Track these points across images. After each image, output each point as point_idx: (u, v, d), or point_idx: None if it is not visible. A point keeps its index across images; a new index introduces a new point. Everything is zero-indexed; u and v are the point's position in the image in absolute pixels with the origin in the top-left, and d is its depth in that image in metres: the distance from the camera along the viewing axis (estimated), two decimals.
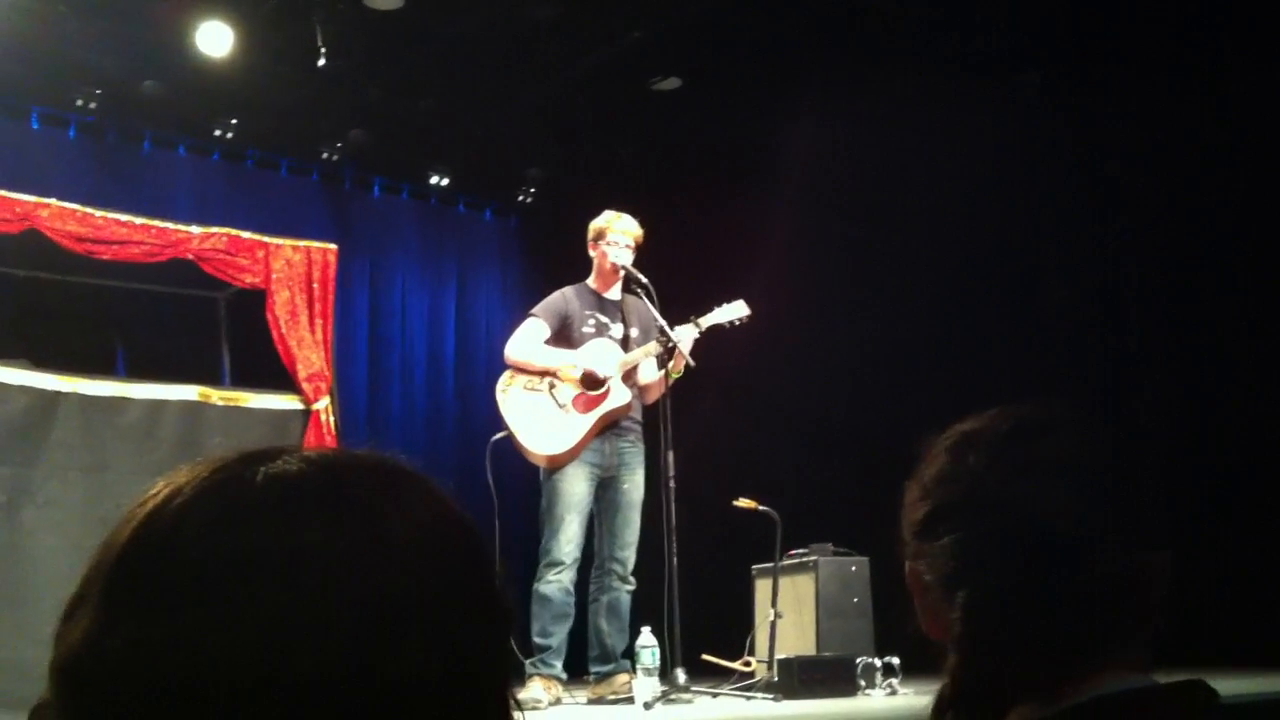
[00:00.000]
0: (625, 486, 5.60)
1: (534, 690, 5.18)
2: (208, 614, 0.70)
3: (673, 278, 5.82)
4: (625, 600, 5.55)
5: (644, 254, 5.80)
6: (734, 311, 5.73)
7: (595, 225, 5.80)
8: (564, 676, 5.44)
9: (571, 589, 5.47)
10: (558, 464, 5.49)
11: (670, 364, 5.49)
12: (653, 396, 5.65)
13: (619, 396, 5.61)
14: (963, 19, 6.94)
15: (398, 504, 0.77)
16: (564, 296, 5.73)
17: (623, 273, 5.70)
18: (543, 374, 5.58)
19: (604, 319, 5.70)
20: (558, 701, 5.35)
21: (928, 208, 7.42)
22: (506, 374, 5.64)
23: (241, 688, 0.68)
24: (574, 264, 5.96)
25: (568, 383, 5.55)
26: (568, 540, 5.44)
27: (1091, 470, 1.18)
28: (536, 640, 5.33)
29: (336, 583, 0.71)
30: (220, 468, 0.77)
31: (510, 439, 5.53)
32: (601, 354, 5.63)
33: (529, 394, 5.56)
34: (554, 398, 5.54)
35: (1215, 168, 6.26)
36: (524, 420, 5.52)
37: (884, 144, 7.42)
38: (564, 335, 5.63)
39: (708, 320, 5.66)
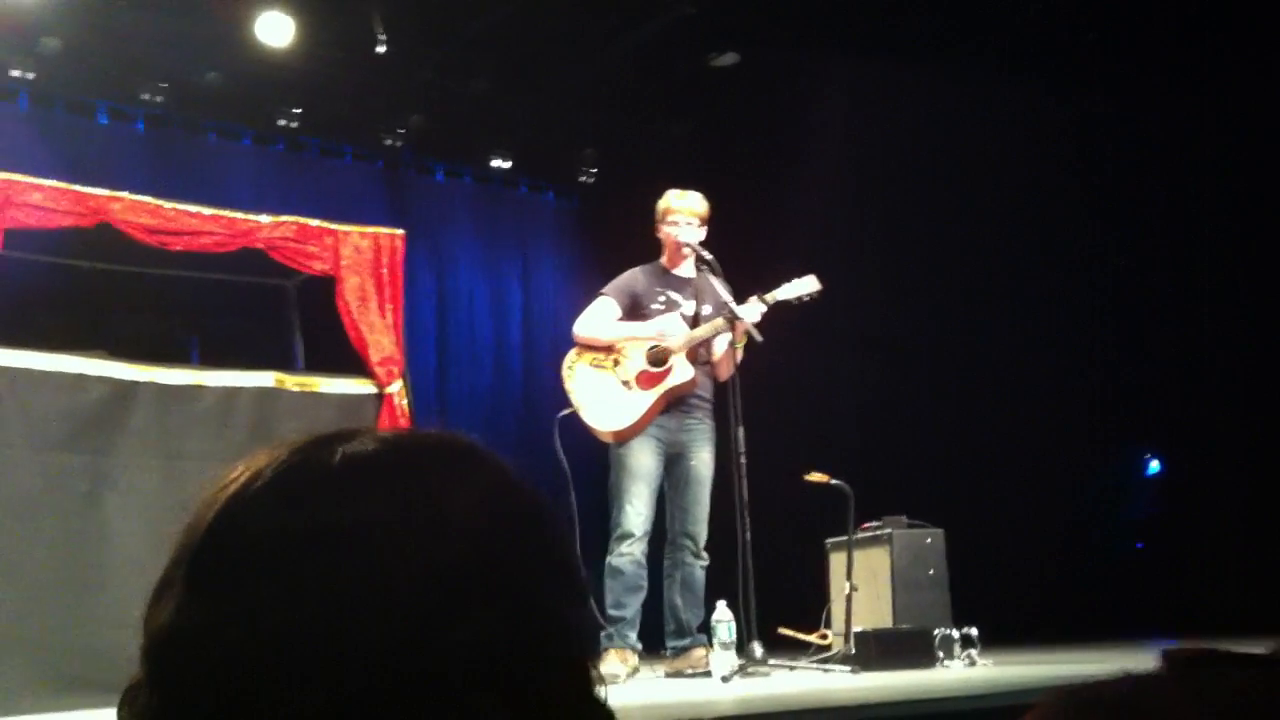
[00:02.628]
0: (693, 463, 5.60)
1: (611, 664, 5.20)
2: (276, 589, 0.72)
3: (737, 253, 5.80)
4: (699, 575, 5.55)
5: (709, 230, 5.77)
6: (805, 287, 5.68)
7: (660, 205, 5.81)
8: (639, 647, 5.46)
9: (643, 561, 5.47)
10: (623, 439, 5.50)
11: (734, 339, 5.48)
12: (724, 373, 5.62)
13: (682, 373, 5.60)
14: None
15: (462, 478, 0.79)
16: (634, 275, 5.75)
17: (689, 251, 5.69)
18: (608, 350, 5.59)
19: (675, 296, 5.69)
20: (635, 672, 5.38)
21: (990, 179, 7.34)
22: (573, 351, 5.66)
23: (312, 659, 0.70)
24: (636, 242, 5.96)
25: (632, 360, 5.56)
26: (637, 513, 5.45)
27: None
28: (611, 613, 5.36)
29: (399, 556, 0.73)
30: (298, 449, 0.79)
31: (576, 415, 5.55)
32: (668, 328, 5.63)
33: (594, 371, 5.59)
34: (618, 375, 5.56)
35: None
36: (589, 397, 5.55)
37: (943, 115, 7.35)
38: (635, 314, 5.65)
39: (775, 296, 5.62)
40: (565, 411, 5.57)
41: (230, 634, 0.71)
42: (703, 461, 5.61)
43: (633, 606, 5.43)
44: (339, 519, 0.74)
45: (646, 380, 5.57)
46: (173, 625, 0.74)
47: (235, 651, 0.71)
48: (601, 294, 5.71)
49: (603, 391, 5.56)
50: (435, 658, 0.71)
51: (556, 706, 0.76)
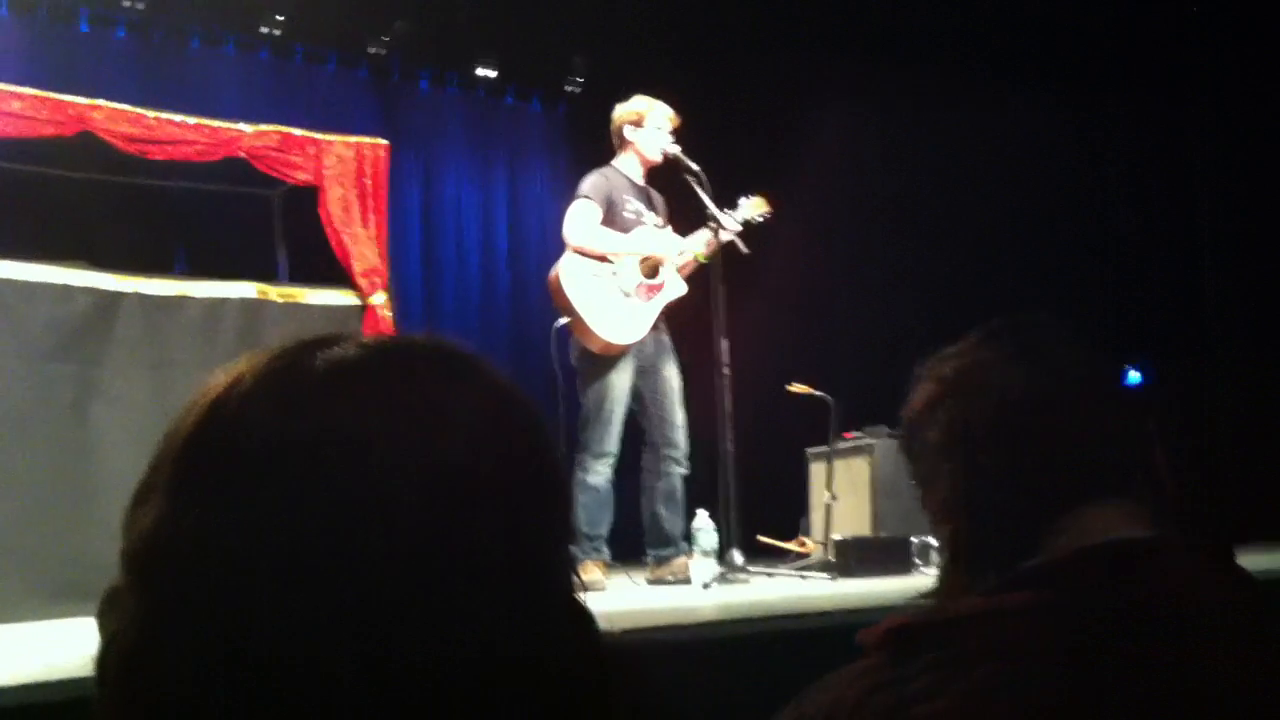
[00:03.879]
0: (666, 373, 5.63)
1: (595, 573, 5.27)
2: (276, 495, 0.72)
3: (719, 169, 5.77)
4: (681, 484, 5.61)
5: (688, 140, 5.75)
6: (755, 208, 5.68)
7: (632, 110, 5.72)
8: (609, 560, 5.52)
9: (612, 478, 5.53)
10: (613, 352, 5.49)
11: (710, 252, 5.49)
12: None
13: (677, 286, 5.63)
14: None
15: (456, 383, 0.79)
16: (605, 179, 5.65)
17: (668, 158, 5.65)
18: (601, 258, 5.53)
19: (639, 205, 5.67)
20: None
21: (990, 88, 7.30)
22: (567, 258, 5.54)
23: (312, 564, 0.71)
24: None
25: (628, 270, 5.54)
26: (617, 432, 5.48)
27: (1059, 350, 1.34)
28: (585, 530, 5.39)
29: (401, 459, 0.73)
30: (279, 355, 0.79)
31: (573, 324, 5.48)
32: (658, 239, 5.62)
33: (595, 279, 5.50)
34: (619, 284, 5.52)
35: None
36: (593, 305, 5.45)
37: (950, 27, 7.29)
38: (608, 219, 5.58)
39: (739, 215, 5.62)
40: (563, 320, 5.51)
41: (227, 540, 0.71)
42: (674, 372, 5.65)
43: (607, 522, 5.48)
44: (334, 423, 0.74)
45: (646, 291, 5.57)
46: (160, 530, 0.74)
47: (232, 557, 0.71)
48: (585, 197, 5.58)
49: (606, 300, 5.48)
50: (439, 560, 0.72)
51: (553, 604, 0.78)
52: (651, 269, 5.58)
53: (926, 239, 7.48)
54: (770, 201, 5.76)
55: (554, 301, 5.56)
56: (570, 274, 5.50)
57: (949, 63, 7.36)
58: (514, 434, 0.79)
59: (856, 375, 6.64)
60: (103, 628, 0.77)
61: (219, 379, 0.79)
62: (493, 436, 0.77)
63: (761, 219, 5.71)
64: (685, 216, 5.78)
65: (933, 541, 5.34)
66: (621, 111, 5.75)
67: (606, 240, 5.53)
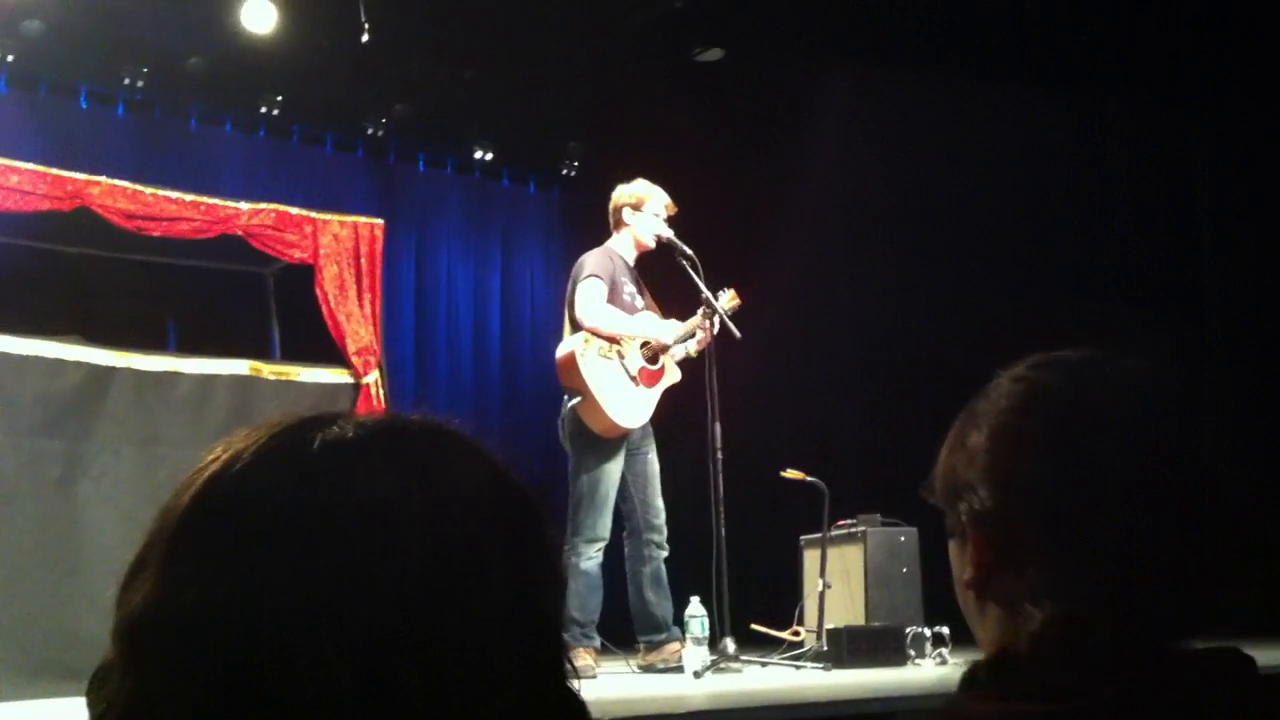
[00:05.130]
0: (650, 456, 5.62)
1: (586, 660, 5.21)
2: (275, 568, 0.71)
3: (712, 252, 5.79)
4: (664, 568, 5.56)
5: (683, 225, 5.78)
6: (728, 300, 5.70)
7: (632, 194, 5.75)
8: (599, 646, 5.45)
9: (602, 562, 5.48)
10: (613, 435, 5.46)
11: (705, 339, 5.50)
12: None
13: (675, 373, 5.64)
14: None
15: (453, 461, 0.79)
16: (605, 258, 5.65)
17: (662, 244, 5.67)
18: (611, 340, 5.52)
19: (633, 288, 5.69)
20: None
21: (975, 181, 7.36)
22: (580, 337, 5.49)
23: (311, 638, 0.70)
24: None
25: (633, 354, 5.53)
26: (608, 518, 5.45)
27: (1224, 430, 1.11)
28: (576, 616, 5.32)
29: (405, 534, 0.73)
30: (278, 431, 0.79)
31: (581, 404, 5.41)
32: (658, 326, 5.63)
33: (604, 361, 5.48)
34: (625, 368, 5.51)
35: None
36: (605, 386, 5.42)
37: (926, 122, 7.37)
38: (609, 299, 5.58)
39: (720, 305, 5.62)
40: (574, 400, 5.46)
41: (225, 615, 0.71)
42: (654, 457, 5.65)
43: (597, 608, 5.42)
44: (337, 499, 0.73)
45: (648, 378, 5.56)
46: (154, 606, 0.73)
47: (231, 633, 0.70)
48: (594, 276, 5.54)
49: (615, 383, 5.46)
50: (436, 639, 0.71)
51: (540, 695, 0.77)
52: (652, 355, 5.58)
53: (923, 325, 7.49)
54: (741, 294, 5.78)
55: (563, 380, 5.52)
56: (584, 354, 5.48)
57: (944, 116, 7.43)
58: (510, 514, 0.79)
59: (850, 463, 6.62)
60: (92, 705, 0.76)
61: (216, 453, 0.78)
62: (490, 516, 0.77)
63: (733, 310, 5.72)
64: (673, 301, 5.80)
65: (926, 632, 5.31)
66: (622, 193, 5.78)
67: (618, 322, 5.53)
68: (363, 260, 6.04)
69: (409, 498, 0.74)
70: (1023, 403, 1.11)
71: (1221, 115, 6.09)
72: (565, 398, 5.49)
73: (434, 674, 0.71)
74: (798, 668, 5.21)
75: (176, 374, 5.44)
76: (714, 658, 5.01)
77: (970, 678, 1.08)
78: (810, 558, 6.13)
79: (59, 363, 5.15)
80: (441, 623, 0.72)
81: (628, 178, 5.87)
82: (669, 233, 5.68)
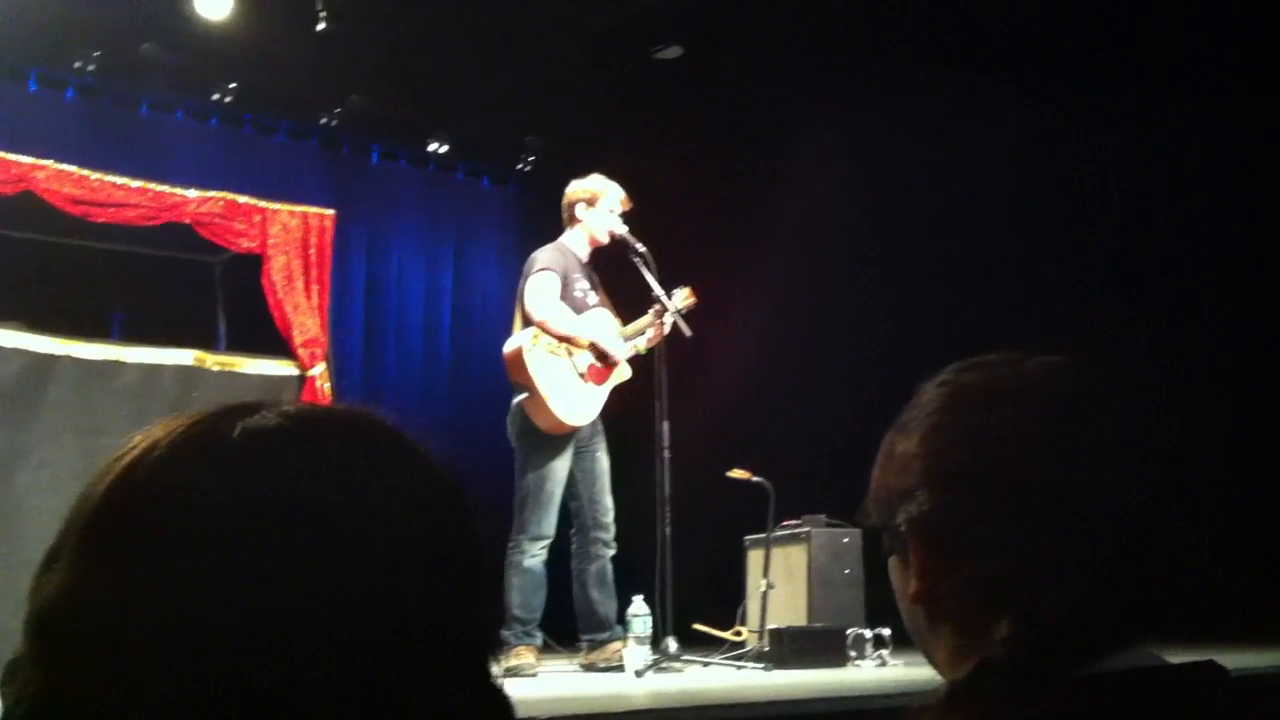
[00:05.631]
0: (598, 454, 5.61)
1: (524, 658, 5.19)
2: (181, 561, 0.70)
3: (666, 248, 5.79)
4: (610, 567, 5.56)
5: (638, 223, 5.78)
6: (683, 299, 5.71)
7: (586, 189, 5.73)
8: (540, 644, 5.43)
9: (546, 561, 5.46)
10: (560, 432, 5.44)
11: (648, 344, 5.51)
12: None
13: (625, 370, 5.63)
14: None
15: (374, 456, 0.78)
16: (558, 254, 5.63)
17: (616, 240, 5.66)
18: (561, 339, 5.49)
19: (586, 285, 5.68)
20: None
21: (928, 185, 7.40)
22: (529, 333, 5.45)
23: (215, 633, 0.69)
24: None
25: (582, 351, 5.51)
26: (554, 515, 5.43)
27: (1150, 435, 1.09)
28: (518, 614, 5.30)
29: (315, 527, 0.72)
30: (197, 421, 0.78)
31: (527, 401, 5.39)
32: (608, 327, 5.62)
33: (553, 358, 5.45)
34: (574, 365, 5.49)
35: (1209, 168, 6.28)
36: (552, 383, 5.40)
37: (886, 122, 7.40)
38: (561, 295, 5.53)
39: (674, 304, 5.63)
40: (522, 396, 5.44)
41: (133, 608, 0.69)
42: (604, 455, 5.63)
43: (540, 607, 5.40)
44: (251, 492, 0.72)
45: (597, 375, 5.55)
46: (64, 597, 0.72)
47: (138, 626, 0.69)
48: (546, 269, 5.50)
49: (563, 380, 5.44)
50: (348, 631, 0.70)
51: (465, 692, 0.76)
52: (602, 353, 5.57)
53: (869, 326, 7.52)
54: (697, 292, 5.79)
55: (511, 376, 5.49)
56: (532, 350, 5.45)
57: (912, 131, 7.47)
58: (432, 506, 0.78)
59: (796, 463, 6.63)
60: (5, 697, 0.75)
61: (135, 442, 0.77)
62: (409, 507, 0.76)
63: (687, 309, 5.73)
64: (626, 297, 5.79)
65: (867, 634, 5.33)
66: (576, 189, 5.76)
67: (568, 324, 5.49)
68: (312, 251, 6.01)
69: (327, 487, 0.73)
70: (948, 402, 1.11)
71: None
72: (513, 394, 5.47)
73: (348, 667, 0.70)
74: (739, 668, 5.23)
75: (120, 363, 5.39)
76: (656, 657, 5.01)
77: (951, 694, 1.06)
78: (754, 558, 6.14)
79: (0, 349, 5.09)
80: (356, 613, 0.71)
81: (583, 174, 5.85)
82: (623, 229, 5.67)
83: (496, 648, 0.80)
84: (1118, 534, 1.04)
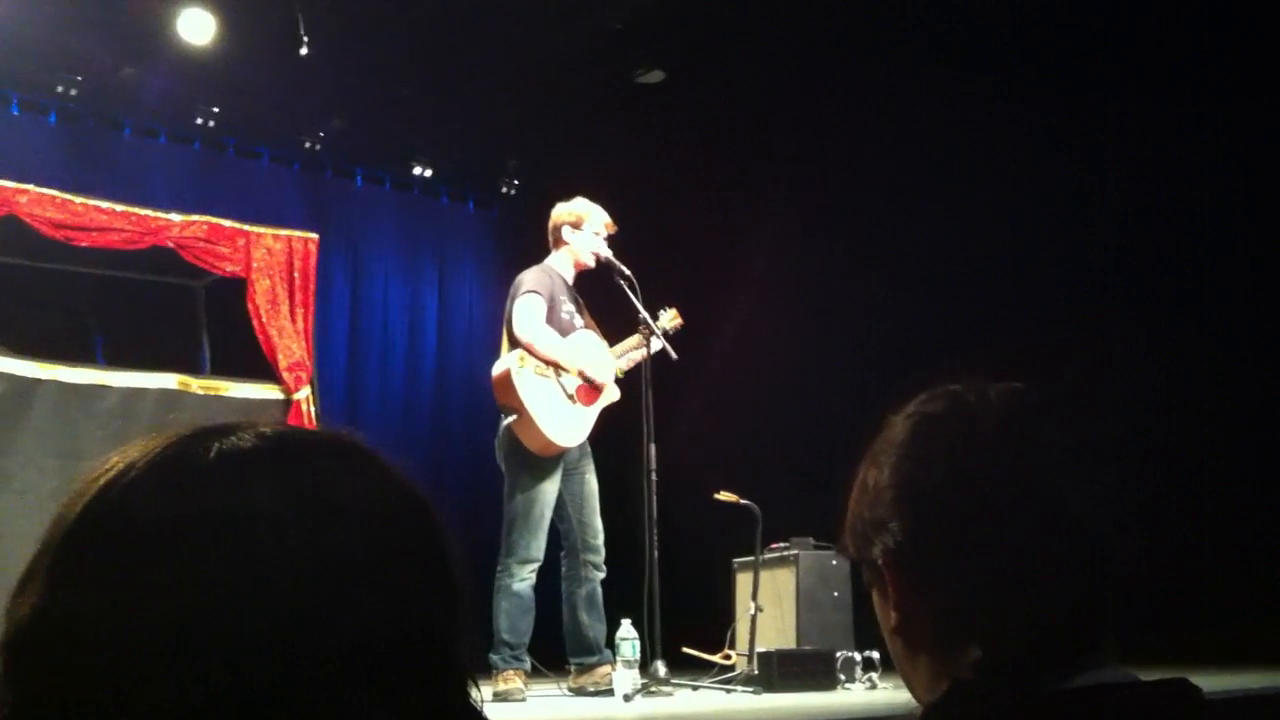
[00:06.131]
0: (588, 477, 5.58)
1: (515, 682, 5.15)
2: (150, 578, 0.70)
3: (650, 271, 5.78)
4: (600, 590, 5.52)
5: (622, 246, 5.77)
6: (669, 320, 5.71)
7: (572, 212, 5.72)
8: (529, 669, 5.39)
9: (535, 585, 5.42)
10: (550, 454, 5.41)
11: (627, 362, 5.50)
12: None
13: (614, 392, 5.61)
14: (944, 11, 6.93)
15: (347, 474, 0.78)
16: (544, 276, 5.60)
17: (601, 263, 5.65)
18: (548, 363, 5.46)
19: (571, 306, 5.66)
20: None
21: (915, 201, 7.41)
22: (516, 355, 5.42)
23: (186, 649, 0.68)
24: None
25: (569, 372, 5.49)
26: (543, 538, 5.39)
27: (1101, 457, 1.12)
28: (507, 638, 5.26)
29: (283, 545, 0.72)
30: (173, 442, 0.78)
31: (516, 422, 5.35)
32: (596, 350, 5.60)
33: (540, 379, 5.42)
34: (562, 386, 5.47)
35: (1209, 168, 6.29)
36: (542, 404, 5.36)
37: (872, 138, 7.41)
38: (547, 317, 5.52)
39: (660, 325, 5.62)
40: (510, 418, 5.41)
41: (97, 626, 0.69)
42: (593, 477, 5.60)
43: (528, 630, 5.36)
44: (218, 507, 0.72)
45: (586, 396, 5.52)
46: (35, 616, 0.72)
47: (103, 642, 0.69)
48: (532, 292, 5.47)
49: (552, 401, 5.41)
50: (312, 651, 0.70)
51: (435, 711, 0.75)
52: (589, 378, 5.55)
53: (856, 348, 7.52)
54: (681, 314, 5.78)
55: (499, 398, 5.45)
56: (520, 371, 5.42)
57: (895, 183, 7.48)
58: (400, 527, 0.78)
59: (783, 485, 6.62)
60: None
61: (112, 463, 0.78)
62: (378, 528, 0.76)
63: (674, 330, 5.72)
64: (611, 320, 5.78)
65: (856, 657, 5.31)
66: (562, 211, 5.75)
67: (554, 348, 5.46)
68: (296, 275, 5.99)
69: (299, 508, 0.73)
70: (916, 433, 1.15)
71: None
72: (501, 416, 5.45)
73: (316, 687, 0.70)
74: (728, 691, 5.20)
75: (103, 387, 5.36)
76: (645, 681, 4.98)
77: (925, 717, 1.09)
78: (742, 581, 6.12)
79: None
80: (323, 633, 0.71)
81: (567, 197, 5.84)
82: (608, 252, 5.66)
83: (464, 661, 0.80)
84: (1082, 554, 1.07)
